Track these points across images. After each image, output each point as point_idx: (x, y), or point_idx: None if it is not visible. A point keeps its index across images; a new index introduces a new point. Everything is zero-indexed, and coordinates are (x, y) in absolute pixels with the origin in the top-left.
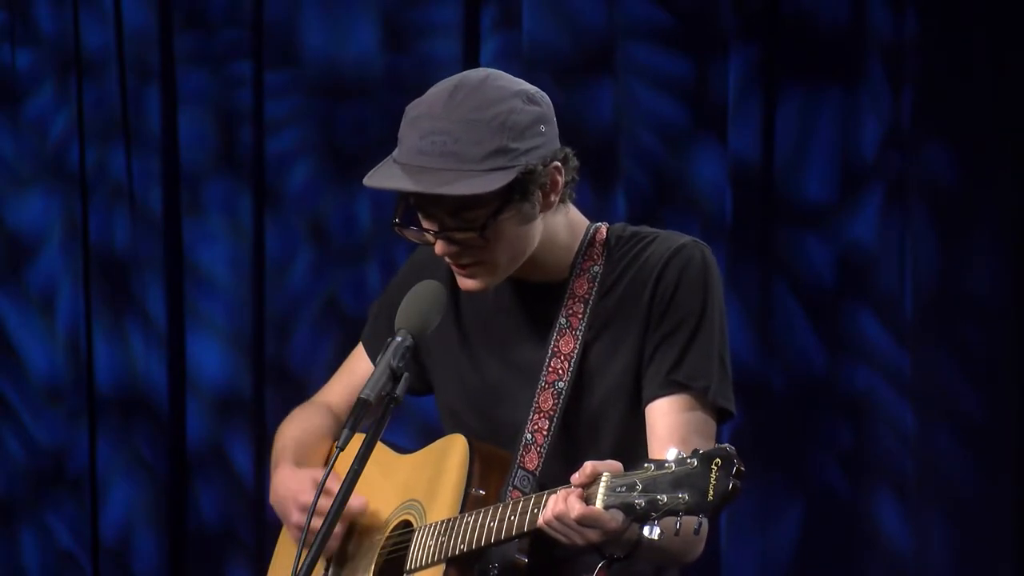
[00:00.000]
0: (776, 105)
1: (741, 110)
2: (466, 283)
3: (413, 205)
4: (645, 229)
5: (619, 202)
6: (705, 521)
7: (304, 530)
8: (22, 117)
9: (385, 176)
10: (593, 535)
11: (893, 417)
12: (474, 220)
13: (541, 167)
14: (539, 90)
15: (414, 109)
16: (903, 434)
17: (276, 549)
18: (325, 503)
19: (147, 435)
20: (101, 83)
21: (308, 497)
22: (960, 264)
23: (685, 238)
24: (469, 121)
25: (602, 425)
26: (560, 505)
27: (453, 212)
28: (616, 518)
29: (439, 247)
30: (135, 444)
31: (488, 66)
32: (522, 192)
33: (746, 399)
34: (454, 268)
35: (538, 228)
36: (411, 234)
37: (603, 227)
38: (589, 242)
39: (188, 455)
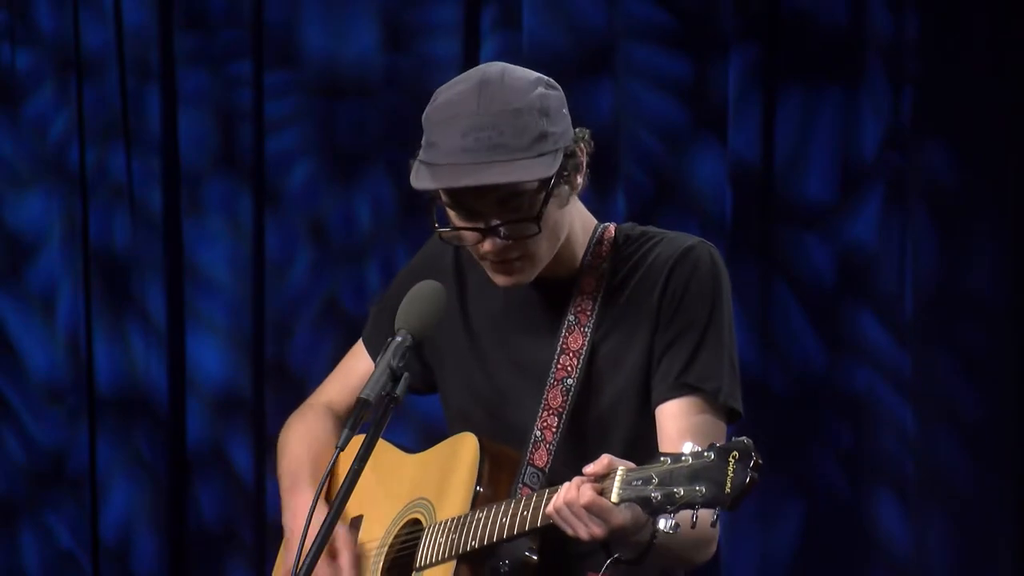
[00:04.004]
0: (776, 105)
1: (741, 110)
2: (505, 280)
3: (451, 206)
4: (653, 229)
5: (619, 202)
6: (718, 513)
7: (303, 533)
8: (22, 117)
9: (435, 178)
10: (598, 528)
11: (893, 417)
12: (528, 208)
13: (576, 148)
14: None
15: (441, 112)
16: (903, 434)
17: (279, 558)
18: (321, 515)
19: (147, 435)
20: (101, 83)
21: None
22: (960, 264)
23: (693, 239)
24: (510, 111)
25: (611, 423)
26: (572, 492)
27: (503, 203)
28: (624, 515)
29: (488, 244)
30: (135, 444)
31: None
32: (561, 174)
33: (746, 399)
34: (493, 266)
35: (568, 216)
36: (455, 236)
37: (611, 226)
38: (598, 240)
39: (188, 455)
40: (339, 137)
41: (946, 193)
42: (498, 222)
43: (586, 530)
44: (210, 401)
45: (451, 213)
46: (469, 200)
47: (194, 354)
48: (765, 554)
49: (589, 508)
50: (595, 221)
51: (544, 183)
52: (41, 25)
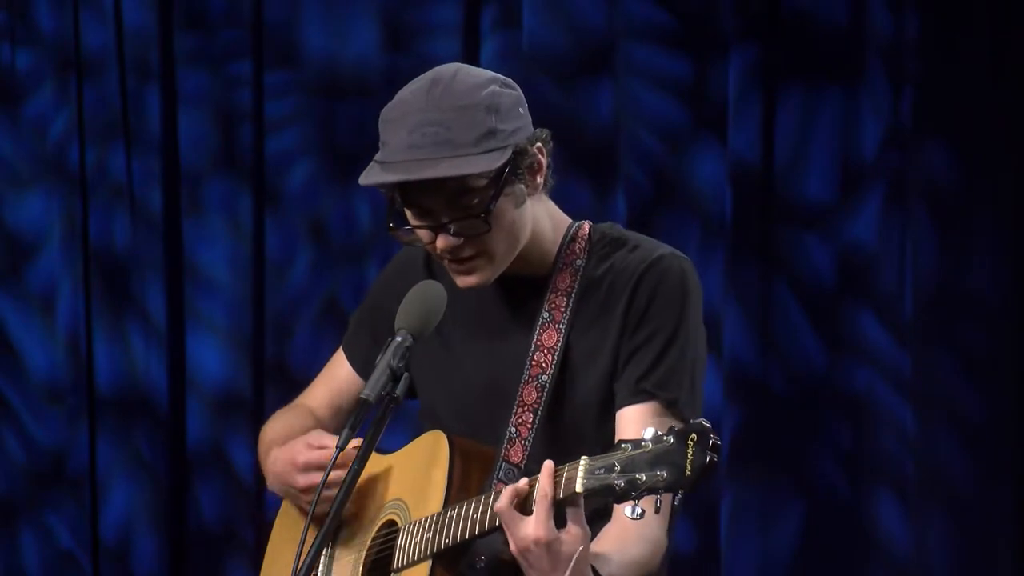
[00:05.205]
0: (776, 105)
1: (741, 110)
2: (466, 280)
3: (402, 205)
4: (630, 234)
5: (619, 202)
6: (680, 496)
7: (316, 495)
8: (22, 117)
9: (382, 173)
10: (512, 539)
11: (893, 417)
12: (475, 206)
13: (529, 146)
14: (506, 76)
15: (393, 110)
16: (903, 434)
17: (269, 546)
18: (337, 474)
19: (147, 435)
20: (101, 83)
21: (305, 456)
22: (960, 264)
23: (665, 249)
24: (457, 108)
25: (585, 420)
26: (504, 498)
27: (451, 200)
28: (552, 536)
29: (440, 242)
30: (135, 444)
31: (488, 66)
32: (515, 172)
33: (746, 399)
34: (452, 266)
35: (529, 215)
36: (408, 236)
37: (586, 224)
38: (572, 237)
39: (188, 455)
40: (339, 137)
41: (946, 193)
42: (448, 219)
43: (511, 538)
44: (210, 401)
45: (407, 212)
46: (420, 197)
47: (194, 354)
48: (765, 554)
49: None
50: (569, 220)
51: (493, 180)
52: (41, 25)
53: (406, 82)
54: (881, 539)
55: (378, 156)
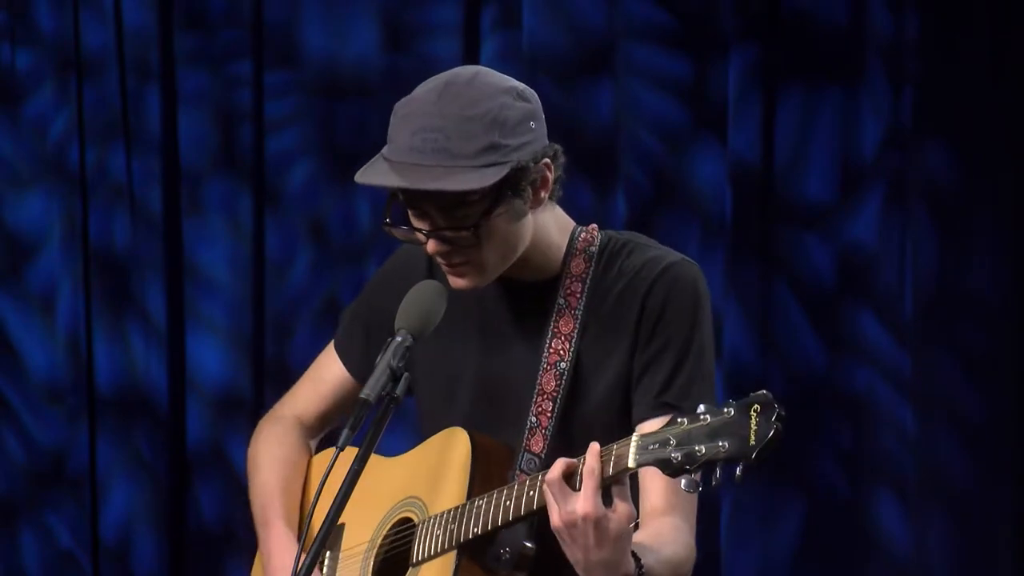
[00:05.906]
0: (776, 105)
1: (741, 110)
2: (457, 282)
3: (403, 204)
4: (640, 237)
5: (619, 202)
6: (741, 469)
7: (314, 500)
8: (22, 117)
9: (377, 173)
10: (556, 511)
11: (893, 417)
12: (467, 218)
13: (532, 163)
14: (527, 87)
15: (404, 107)
16: (903, 434)
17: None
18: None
19: (147, 435)
20: (101, 83)
21: None
22: (960, 264)
23: (676, 256)
24: (461, 117)
25: (602, 414)
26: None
27: (445, 210)
28: (601, 512)
29: (431, 246)
30: (135, 444)
31: (488, 66)
32: (514, 189)
33: None
34: (444, 267)
35: (529, 226)
36: (401, 233)
37: (593, 227)
38: (580, 235)
39: (188, 455)
40: (339, 137)
41: (946, 193)
42: (440, 227)
43: (557, 513)
44: (210, 401)
45: (409, 211)
46: (415, 200)
47: (194, 354)
48: (765, 554)
49: (591, 469)
50: (574, 224)
51: (487, 196)
52: (41, 25)
53: (406, 82)
54: (881, 539)
55: (384, 150)
